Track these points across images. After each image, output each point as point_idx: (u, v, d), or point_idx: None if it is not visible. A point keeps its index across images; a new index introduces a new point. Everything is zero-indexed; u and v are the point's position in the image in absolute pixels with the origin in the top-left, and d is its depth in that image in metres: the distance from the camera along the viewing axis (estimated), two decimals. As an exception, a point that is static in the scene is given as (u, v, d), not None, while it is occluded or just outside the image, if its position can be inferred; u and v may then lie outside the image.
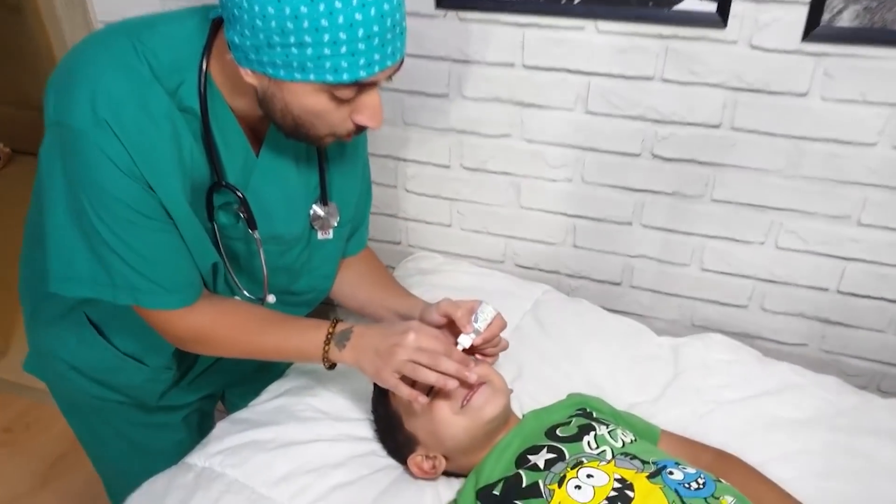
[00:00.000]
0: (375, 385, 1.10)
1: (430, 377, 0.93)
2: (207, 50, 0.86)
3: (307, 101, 0.81)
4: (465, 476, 1.05)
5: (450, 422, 0.99)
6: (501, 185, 1.40)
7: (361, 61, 0.77)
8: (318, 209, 1.07)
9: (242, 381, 1.31)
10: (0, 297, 2.55)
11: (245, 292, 1.07)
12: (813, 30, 1.09)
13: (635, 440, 0.99)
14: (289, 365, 1.26)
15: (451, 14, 1.25)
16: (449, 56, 1.29)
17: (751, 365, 1.24)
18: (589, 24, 1.19)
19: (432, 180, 1.45)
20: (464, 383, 0.97)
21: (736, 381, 1.21)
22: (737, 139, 1.21)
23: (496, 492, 0.93)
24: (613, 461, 0.92)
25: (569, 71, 1.24)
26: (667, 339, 1.32)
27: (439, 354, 0.94)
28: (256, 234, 0.98)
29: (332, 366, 1.01)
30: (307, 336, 1.00)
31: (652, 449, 0.99)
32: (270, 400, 1.18)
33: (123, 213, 0.86)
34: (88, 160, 0.83)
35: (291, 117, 0.84)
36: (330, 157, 1.07)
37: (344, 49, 0.75)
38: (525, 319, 1.34)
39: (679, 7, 1.13)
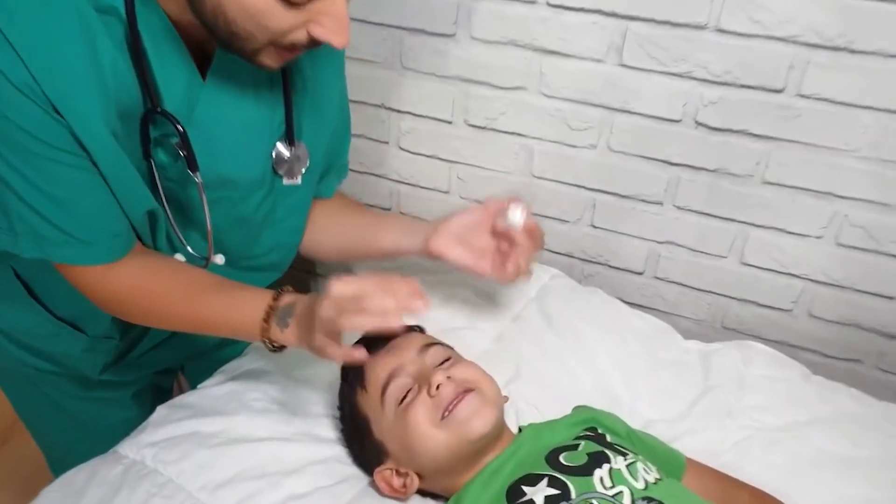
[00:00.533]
0: (342, 375, 0.91)
1: (359, 321, 0.71)
2: None
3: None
4: (443, 498, 0.86)
5: (426, 435, 0.80)
6: (511, 148, 1.19)
7: None
8: (282, 149, 0.86)
9: (202, 355, 1.14)
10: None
11: (189, 249, 0.88)
12: (917, -28, 0.86)
13: (660, 479, 0.78)
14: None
15: (464, -66, 1.03)
16: (459, -14, 1.08)
17: (799, 385, 1.04)
18: (633, -46, 0.97)
19: (430, 137, 1.24)
20: (443, 392, 0.79)
21: (780, 403, 1.00)
22: (803, 108, 1.00)
23: (478, 533, 0.73)
24: (632, 508, 0.72)
25: (602, 13, 1.03)
26: (695, 343, 1.11)
27: (369, 292, 0.71)
28: (198, 177, 0.78)
29: (278, 348, 0.82)
30: (245, 309, 0.81)
31: (681, 491, 0.79)
32: (222, 384, 1.02)
33: (25, 143, 0.68)
34: None
35: (224, 20, 0.63)
36: (299, 88, 0.85)
37: None
38: (528, 308, 1.14)
39: (748, -65, 0.90)
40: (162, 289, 0.84)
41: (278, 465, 0.89)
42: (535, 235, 0.94)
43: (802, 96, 0.99)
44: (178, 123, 0.74)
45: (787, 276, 1.14)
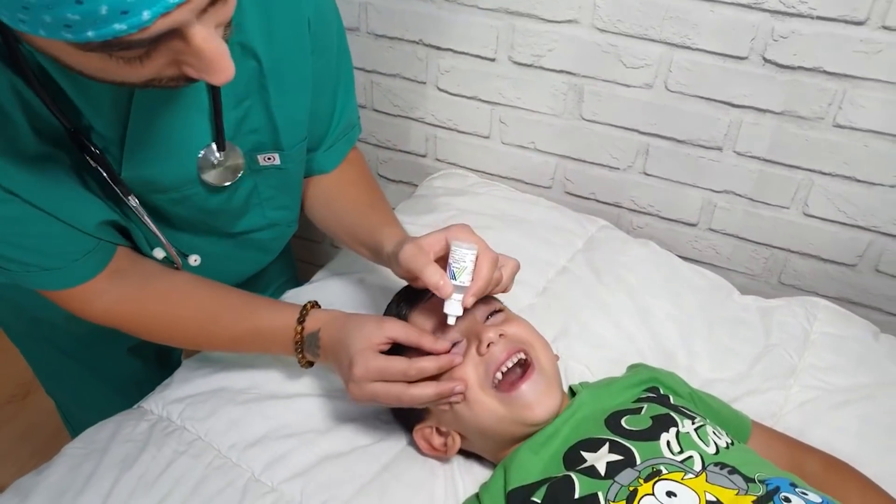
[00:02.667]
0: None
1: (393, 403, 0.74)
2: None
3: (76, 59, 0.50)
4: (488, 461, 0.81)
5: (474, 399, 0.74)
6: (560, 89, 1.11)
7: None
8: (209, 155, 0.77)
9: None
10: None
11: (167, 247, 0.82)
12: None
13: (732, 444, 0.72)
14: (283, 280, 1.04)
15: None
16: None
17: (867, 343, 0.98)
18: None
19: (471, 76, 1.16)
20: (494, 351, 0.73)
21: (848, 363, 0.94)
22: (885, 43, 0.91)
23: (537, 499, 0.68)
24: (704, 474, 0.66)
25: (668, -67, 0.93)
26: (754, 299, 1.05)
27: (411, 375, 0.71)
28: (132, 202, 0.74)
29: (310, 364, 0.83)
30: (276, 341, 0.81)
31: (755, 458, 0.72)
32: (251, 339, 0.95)
33: None
34: None
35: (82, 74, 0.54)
36: (248, 78, 0.75)
37: None
38: (575, 261, 1.08)
39: None
40: (174, 307, 0.80)
41: (312, 423, 0.85)
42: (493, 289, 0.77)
43: (887, 28, 0.90)
44: (91, 143, 0.68)
45: (854, 227, 1.06)
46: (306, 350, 0.79)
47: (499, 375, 0.73)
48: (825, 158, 1.02)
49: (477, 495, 0.76)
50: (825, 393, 0.91)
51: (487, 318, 0.78)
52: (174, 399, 0.87)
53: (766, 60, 0.98)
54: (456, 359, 0.73)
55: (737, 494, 0.64)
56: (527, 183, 1.24)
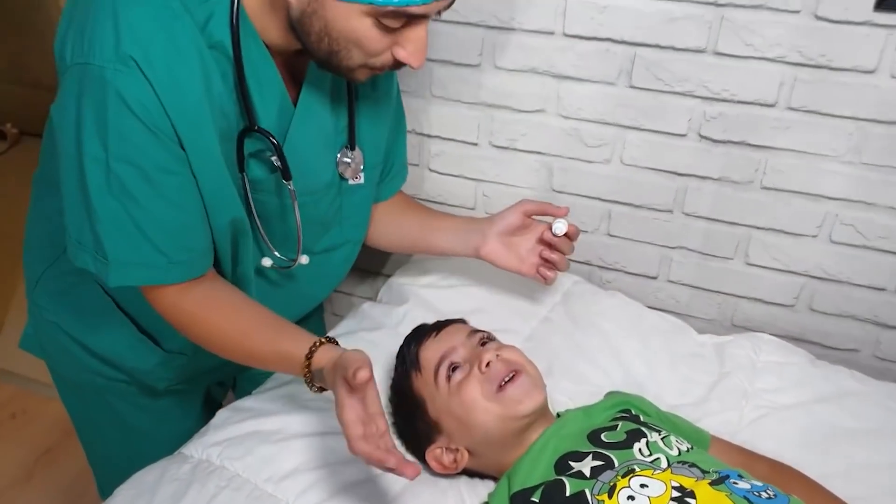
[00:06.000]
0: (397, 364, 1.01)
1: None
2: None
3: (350, 24, 0.73)
4: (489, 477, 0.95)
5: (481, 407, 0.89)
6: (532, 166, 1.30)
7: None
8: (344, 156, 0.98)
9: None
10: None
11: (276, 253, 0.98)
12: (887, -2, 0.99)
13: (692, 448, 0.88)
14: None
15: (488, -25, 1.15)
16: (483, 22, 1.19)
17: (805, 367, 1.14)
18: (638, -12, 1.09)
19: (457, 159, 1.34)
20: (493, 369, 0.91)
21: (789, 384, 1.11)
22: (793, 120, 1.11)
23: (535, 498, 0.82)
24: (669, 469, 0.81)
25: (613, 41, 1.14)
26: (709, 337, 1.22)
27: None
28: (291, 185, 0.89)
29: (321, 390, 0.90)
30: (290, 364, 0.89)
31: (710, 458, 0.88)
32: (277, 387, 1.09)
33: (147, 172, 0.78)
34: (108, 102, 0.74)
35: (328, 41, 0.76)
36: (360, 97, 0.98)
37: None
38: (555, 311, 1.24)
39: (740, -30, 1.03)
40: (217, 317, 0.91)
41: (335, 457, 0.96)
42: (573, 236, 1.08)
43: (792, 109, 1.11)
44: (273, 138, 0.85)
45: (788, 273, 1.24)
46: (316, 381, 0.87)
47: (499, 388, 0.89)
48: (758, 215, 1.21)
49: (486, 503, 0.90)
50: (772, 411, 1.07)
51: (483, 343, 0.95)
52: (212, 443, 0.98)
53: (701, 137, 1.18)
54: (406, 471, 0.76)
55: (696, 481, 0.79)
56: (509, 247, 1.40)
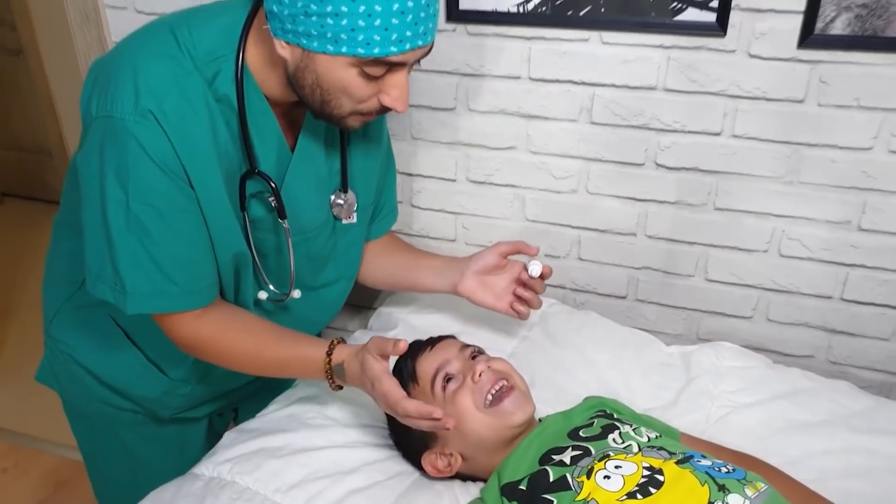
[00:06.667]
0: (396, 376, 1.09)
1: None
2: (245, 35, 0.89)
3: (337, 75, 0.83)
4: (481, 480, 1.03)
5: (472, 415, 0.98)
6: (507, 198, 1.42)
7: (393, 37, 0.79)
8: (338, 198, 1.09)
9: (256, 394, 1.30)
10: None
11: (272, 287, 1.07)
12: (808, 38, 1.13)
13: (660, 436, 0.97)
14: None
15: (461, 28, 1.29)
16: (457, 70, 1.32)
17: (763, 370, 1.25)
18: (594, 36, 1.23)
19: (438, 194, 1.46)
20: (484, 379, 0.99)
21: (749, 385, 1.21)
22: (737, 147, 1.25)
23: (522, 486, 0.91)
24: (640, 453, 0.91)
25: (573, 82, 1.28)
26: (676, 347, 1.32)
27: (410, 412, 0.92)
28: (286, 224, 0.99)
29: (339, 387, 1.02)
30: (307, 368, 1.02)
31: (678, 444, 0.97)
32: (280, 409, 1.17)
33: (160, 209, 0.88)
34: (128, 149, 0.84)
35: (320, 92, 0.86)
36: (352, 142, 1.08)
37: (378, 22, 0.77)
38: (533, 331, 1.34)
39: (680, 17, 1.17)
40: (236, 337, 1.01)
41: (338, 467, 1.04)
42: (546, 276, 1.19)
43: (736, 136, 1.24)
44: (271, 180, 0.96)
45: (745, 286, 1.36)
46: (336, 377, 0.99)
47: (489, 397, 0.98)
48: (713, 234, 1.33)
49: (480, 498, 0.98)
50: (735, 409, 1.17)
51: (474, 357, 1.04)
52: (222, 461, 1.05)
53: (658, 165, 1.30)
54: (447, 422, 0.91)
55: (664, 461, 0.88)
56: (488, 275, 1.51)
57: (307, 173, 1.03)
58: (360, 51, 0.80)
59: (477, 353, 1.06)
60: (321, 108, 0.89)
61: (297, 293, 1.10)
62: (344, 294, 1.22)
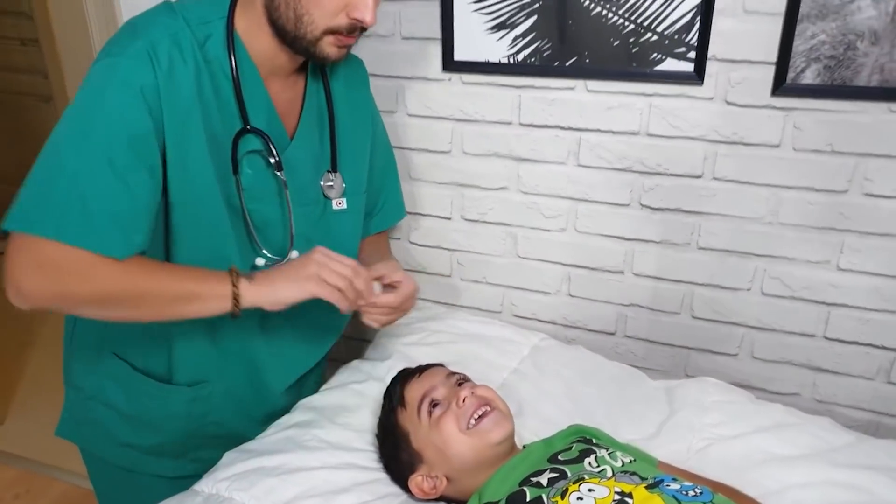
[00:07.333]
0: (385, 402, 1.14)
1: (340, 283, 0.99)
2: (234, 2, 1.00)
3: None
4: (465, 502, 1.07)
5: (456, 439, 1.02)
6: (499, 236, 1.48)
7: None
8: (328, 180, 1.17)
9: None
10: (1, 367, 2.57)
11: (265, 251, 1.11)
12: (780, 87, 1.20)
13: (634, 461, 1.01)
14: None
15: (456, 77, 1.38)
16: (452, 116, 1.41)
17: (745, 405, 1.28)
18: (579, 84, 1.31)
19: (434, 232, 1.53)
20: (468, 404, 1.04)
21: (730, 419, 1.23)
22: (718, 189, 1.31)
23: (500, 504, 0.95)
24: (614, 478, 0.95)
25: (561, 128, 1.35)
26: (661, 382, 1.36)
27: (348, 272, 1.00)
28: (282, 175, 1.06)
29: (237, 311, 0.97)
30: (214, 277, 0.98)
31: (651, 469, 1.01)
32: (277, 432, 1.22)
33: (122, 135, 0.91)
34: (114, 78, 0.91)
35: (293, 5, 0.94)
36: (339, 126, 1.16)
37: None
38: (524, 363, 1.39)
39: (660, 67, 1.25)
40: (143, 270, 0.95)
41: (330, 487, 1.08)
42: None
43: (716, 179, 1.30)
44: (265, 134, 1.03)
45: (730, 324, 1.40)
46: (242, 276, 0.97)
47: (472, 421, 1.03)
48: (697, 272, 1.38)
49: (459, 517, 1.02)
50: (716, 442, 1.20)
51: (460, 384, 1.09)
52: (221, 479, 1.09)
53: (642, 205, 1.37)
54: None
55: (635, 486, 0.92)
56: (482, 310, 1.56)
57: (302, 156, 1.10)
58: None
59: (463, 380, 1.11)
60: (296, 30, 0.96)
61: (295, 254, 1.12)
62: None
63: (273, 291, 0.99)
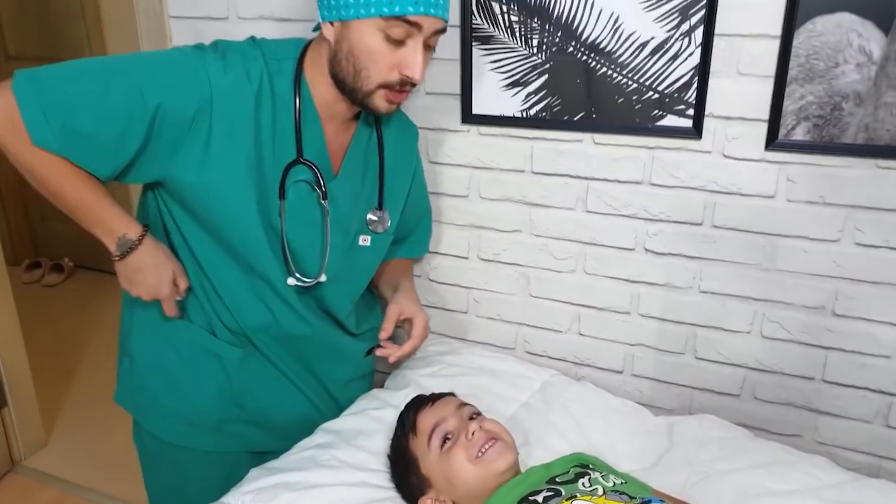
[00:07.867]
0: (397, 426, 1.23)
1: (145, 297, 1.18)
2: (305, 47, 1.16)
3: (365, 39, 1.04)
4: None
5: (464, 469, 1.10)
6: (513, 276, 1.58)
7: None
8: (374, 214, 1.30)
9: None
10: (47, 391, 2.72)
11: (297, 275, 1.23)
12: (773, 142, 1.29)
13: (625, 483, 1.08)
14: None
15: (473, 129, 1.50)
16: (470, 164, 1.53)
17: (742, 441, 1.34)
18: (587, 137, 1.42)
19: (452, 270, 1.63)
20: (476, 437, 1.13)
21: (727, 454, 1.29)
22: (717, 236, 1.39)
23: (498, 519, 1.03)
24: (604, 496, 1.02)
25: (570, 176, 1.46)
26: (663, 418, 1.42)
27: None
28: (326, 204, 1.19)
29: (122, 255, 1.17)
30: (105, 229, 1.17)
31: (641, 491, 1.08)
32: (299, 452, 1.31)
33: (151, 96, 1.04)
34: (186, 54, 1.08)
35: (353, 61, 1.06)
36: (387, 167, 1.29)
37: None
38: (533, 397, 1.47)
39: (661, 123, 1.35)
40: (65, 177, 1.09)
41: (347, 502, 1.17)
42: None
43: (716, 227, 1.39)
44: (315, 166, 1.17)
45: (732, 366, 1.46)
46: (119, 246, 1.15)
47: (479, 453, 1.11)
48: (699, 315, 1.45)
49: (461, 532, 1.10)
50: (712, 475, 1.25)
51: (471, 418, 1.17)
52: (246, 492, 1.19)
53: (646, 250, 1.46)
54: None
55: None
56: (496, 346, 1.65)
57: (345, 191, 1.23)
58: (385, 10, 1.00)
59: (474, 415, 1.19)
60: (354, 83, 1.08)
61: (323, 277, 1.24)
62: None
63: (120, 273, 1.19)
